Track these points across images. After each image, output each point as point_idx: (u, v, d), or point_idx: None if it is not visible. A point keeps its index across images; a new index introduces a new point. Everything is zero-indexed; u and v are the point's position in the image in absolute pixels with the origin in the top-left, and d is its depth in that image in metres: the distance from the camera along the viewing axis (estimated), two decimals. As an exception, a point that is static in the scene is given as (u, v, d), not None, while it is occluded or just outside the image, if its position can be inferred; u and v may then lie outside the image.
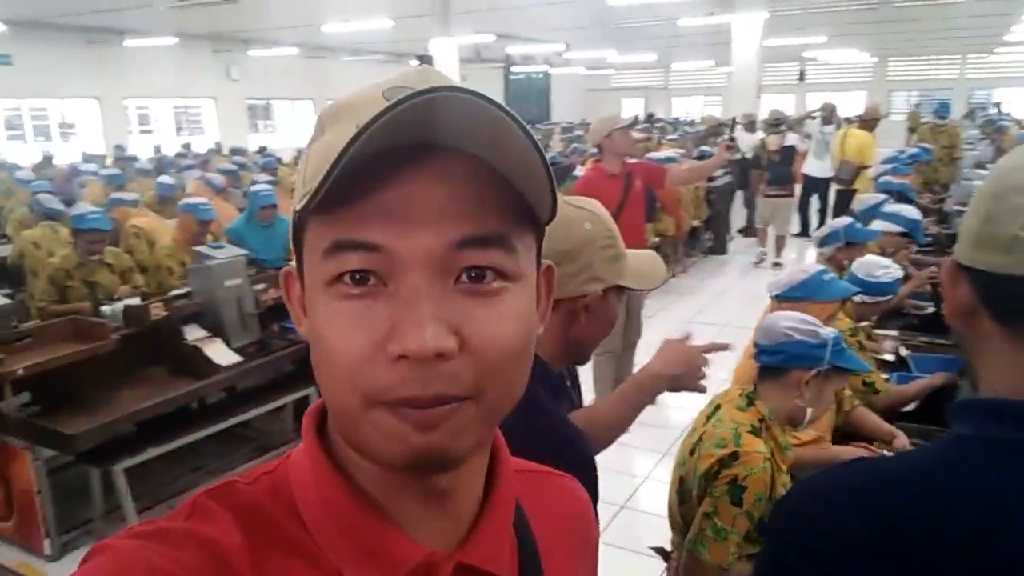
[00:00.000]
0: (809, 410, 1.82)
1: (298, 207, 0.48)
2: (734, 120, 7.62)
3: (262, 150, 13.00)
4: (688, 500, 1.84)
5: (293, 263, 0.54)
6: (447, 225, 0.46)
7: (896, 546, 0.64)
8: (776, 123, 8.23)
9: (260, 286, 4.18)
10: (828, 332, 1.82)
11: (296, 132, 20.06)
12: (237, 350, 3.73)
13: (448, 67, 12.78)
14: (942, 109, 9.77)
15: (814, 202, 9.14)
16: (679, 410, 3.94)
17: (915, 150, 6.93)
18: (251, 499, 0.52)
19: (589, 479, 1.02)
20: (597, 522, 0.76)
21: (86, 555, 0.46)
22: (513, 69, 21.00)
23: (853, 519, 0.68)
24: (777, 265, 8.06)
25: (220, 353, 3.66)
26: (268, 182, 6.47)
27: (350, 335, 0.46)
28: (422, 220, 0.45)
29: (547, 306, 0.57)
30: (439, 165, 0.45)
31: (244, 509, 0.51)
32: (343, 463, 0.53)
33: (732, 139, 5.24)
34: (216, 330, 3.73)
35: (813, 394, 1.81)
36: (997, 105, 20.41)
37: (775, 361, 1.84)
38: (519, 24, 14.91)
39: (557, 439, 1.13)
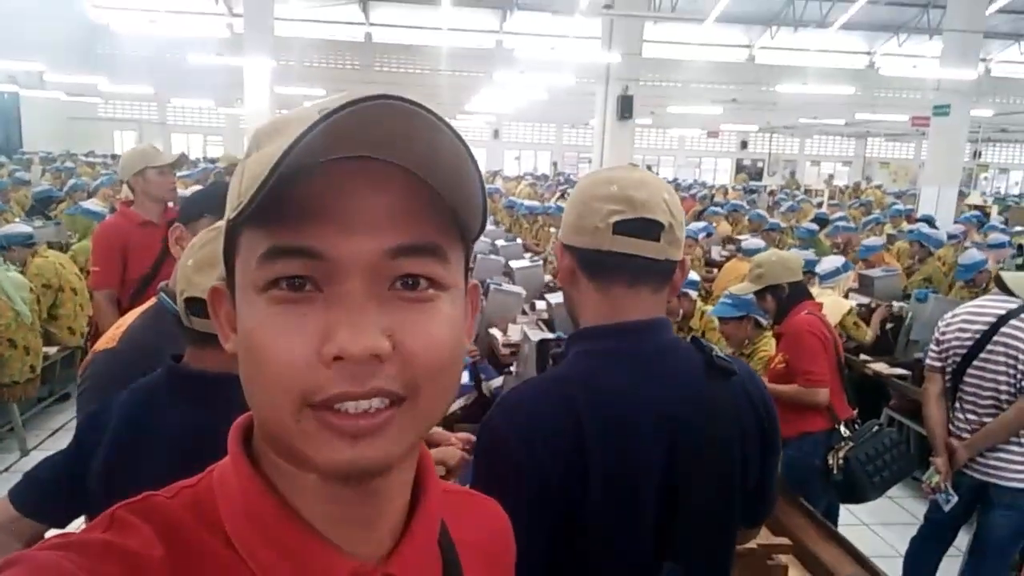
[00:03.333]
0: None
1: (232, 215, 0.48)
2: None
3: None
4: None
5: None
6: (384, 233, 0.47)
7: (578, 423, 1.03)
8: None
9: None
10: None
11: None
12: None
13: None
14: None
15: None
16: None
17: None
18: (171, 512, 0.51)
19: None
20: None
21: None
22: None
23: (545, 407, 1.06)
24: None
25: None
26: None
27: (284, 339, 0.46)
28: (360, 227, 0.46)
29: (473, 321, 0.57)
30: (375, 175, 0.46)
31: (164, 522, 0.50)
32: (269, 476, 0.52)
33: None
34: None
35: None
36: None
37: None
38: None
39: None
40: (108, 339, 1.72)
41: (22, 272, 4.62)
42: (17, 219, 6.29)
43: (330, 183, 0.46)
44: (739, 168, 28.82)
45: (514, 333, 4.20)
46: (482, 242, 6.36)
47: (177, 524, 0.50)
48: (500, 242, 6.38)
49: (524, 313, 4.56)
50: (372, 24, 18.10)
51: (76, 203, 7.24)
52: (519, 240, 7.16)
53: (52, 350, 4.79)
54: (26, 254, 4.83)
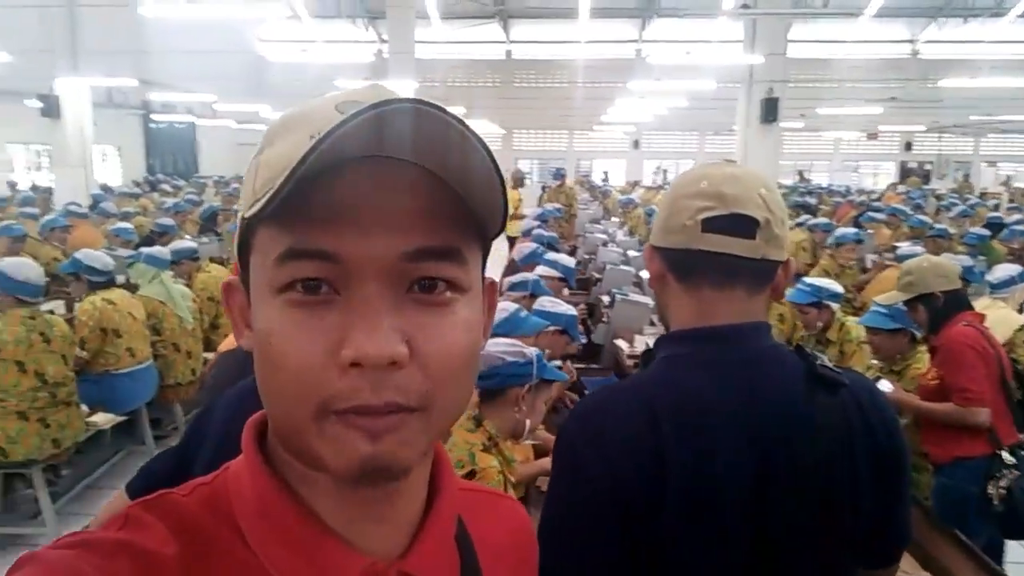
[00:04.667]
0: (528, 422, 2.10)
1: (247, 213, 0.48)
2: None
3: None
4: None
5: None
6: (402, 236, 0.46)
7: (656, 429, 0.95)
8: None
9: None
10: (531, 351, 2.12)
11: None
12: None
13: (78, 110, 11.36)
14: (557, 174, 11.55)
15: None
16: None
17: (552, 208, 8.10)
18: (186, 510, 0.51)
19: None
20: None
21: (12, 567, 0.44)
22: (153, 117, 19.37)
23: (622, 415, 0.99)
24: None
25: None
26: None
27: (302, 343, 0.45)
28: (377, 230, 0.46)
29: (490, 320, 0.57)
30: (395, 176, 0.46)
31: (179, 520, 0.50)
32: (284, 474, 0.52)
33: None
34: None
35: (528, 407, 2.09)
36: (605, 173, 24.60)
37: (492, 384, 2.09)
38: (161, 71, 13.92)
39: None
40: (231, 342, 1.83)
41: (188, 284, 5.07)
42: (187, 236, 6.91)
43: (348, 184, 0.45)
44: (904, 172, 26.60)
45: (640, 345, 4.08)
46: (613, 252, 6.28)
47: (192, 522, 0.50)
48: (632, 252, 6.26)
49: (652, 324, 4.43)
50: (512, 42, 18.51)
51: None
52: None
53: (211, 356, 5.19)
54: (192, 268, 5.30)
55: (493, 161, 0.47)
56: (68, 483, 4.07)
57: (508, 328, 2.60)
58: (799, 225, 8.01)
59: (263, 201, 0.45)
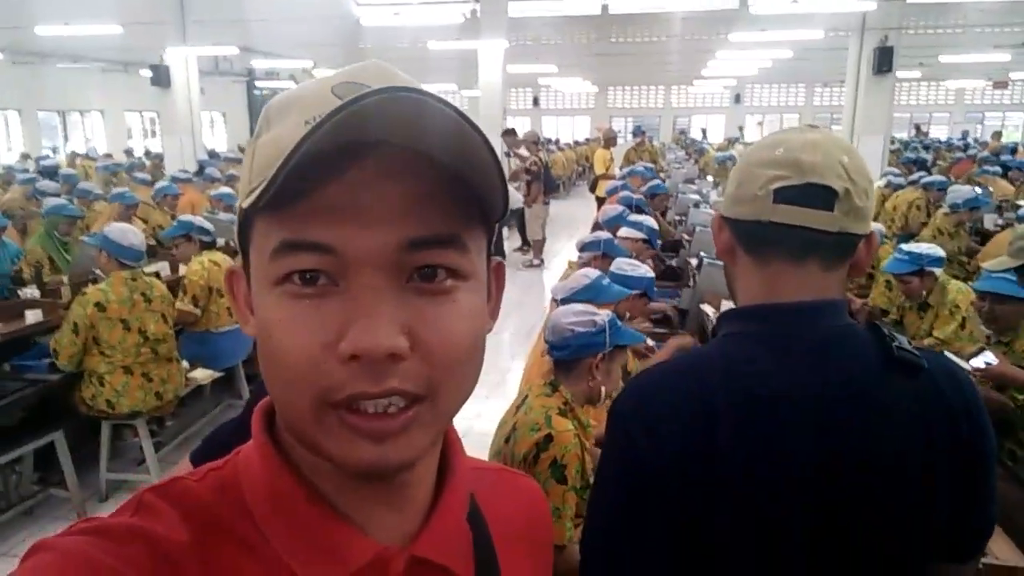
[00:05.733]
0: (603, 388, 2.05)
1: (244, 204, 0.47)
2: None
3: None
4: None
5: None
6: (399, 225, 0.45)
7: (709, 408, 0.90)
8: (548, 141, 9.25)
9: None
10: (604, 317, 2.06)
11: (-2, 145, 17.34)
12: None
13: (186, 78, 11.89)
14: (637, 131, 11.18)
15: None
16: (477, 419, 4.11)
17: (639, 167, 7.87)
18: (198, 496, 0.51)
19: None
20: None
21: (26, 553, 0.45)
22: (257, 83, 20.09)
23: (676, 396, 0.94)
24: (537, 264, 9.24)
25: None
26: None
27: (300, 335, 0.45)
28: (374, 219, 0.44)
29: (497, 302, 0.56)
30: (391, 164, 0.44)
31: (190, 506, 0.50)
32: (293, 459, 0.52)
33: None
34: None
35: (603, 374, 2.05)
36: (703, 131, 23.76)
37: (564, 355, 2.05)
38: (265, 38, 14.33)
39: None
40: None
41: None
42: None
43: (344, 171, 0.44)
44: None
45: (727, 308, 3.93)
46: (705, 213, 6.05)
47: (203, 507, 0.51)
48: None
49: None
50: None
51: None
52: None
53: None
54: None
55: (489, 145, 0.45)
56: (171, 433, 4.35)
57: (590, 296, 2.55)
58: (912, 183, 7.49)
59: (257, 192, 0.44)
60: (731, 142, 18.82)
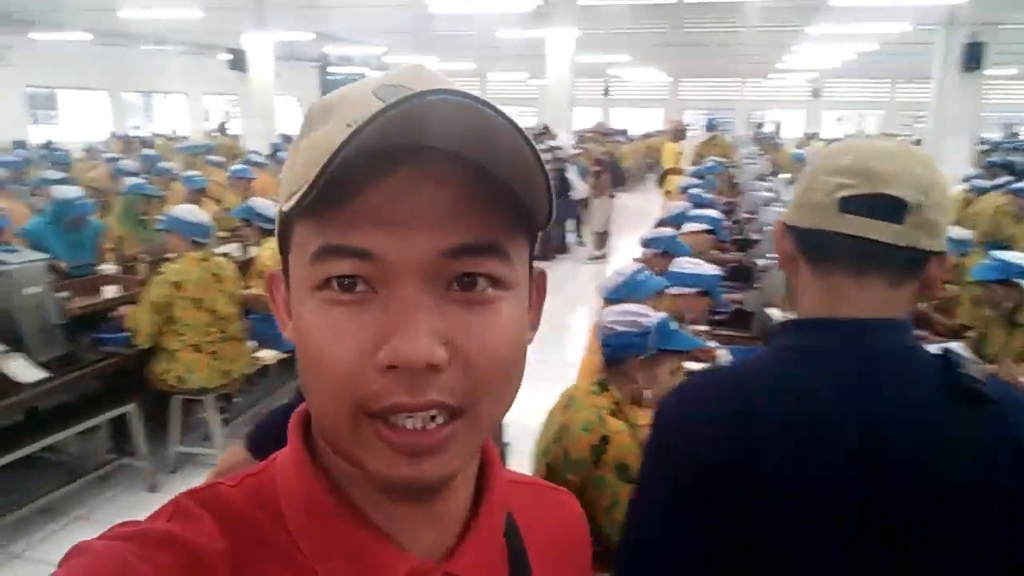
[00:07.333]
0: (646, 392, 2.02)
1: (284, 208, 0.46)
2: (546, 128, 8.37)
3: (48, 144, 11.66)
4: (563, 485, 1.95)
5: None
6: (441, 232, 0.44)
7: (750, 420, 0.87)
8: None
9: (64, 294, 3.81)
10: (652, 320, 2.02)
11: (86, 125, 18.17)
12: (42, 365, 3.38)
13: (262, 63, 12.21)
14: (709, 124, 10.91)
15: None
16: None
17: (708, 163, 7.71)
18: (233, 502, 0.51)
19: None
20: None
21: (64, 556, 0.46)
22: (329, 69, 20.46)
23: (720, 407, 0.91)
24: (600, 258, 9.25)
25: (21, 369, 3.29)
26: (61, 180, 5.86)
27: (338, 342, 0.44)
28: (415, 226, 0.44)
29: (538, 313, 0.55)
30: (434, 169, 0.44)
31: (225, 512, 0.50)
32: (329, 468, 0.51)
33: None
34: (14, 344, 3.35)
35: (646, 377, 2.01)
36: (777, 125, 23.09)
37: (606, 353, 2.02)
38: (338, 24, 14.58)
39: None
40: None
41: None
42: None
43: (386, 176, 0.43)
44: None
45: (793, 315, 3.81)
46: (775, 211, 5.86)
47: (238, 514, 0.51)
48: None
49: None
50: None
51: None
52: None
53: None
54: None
55: (534, 151, 0.44)
56: (238, 410, 4.49)
57: (625, 292, 2.50)
58: (997, 188, 7.11)
59: (297, 196, 0.43)
60: (809, 138, 18.23)
